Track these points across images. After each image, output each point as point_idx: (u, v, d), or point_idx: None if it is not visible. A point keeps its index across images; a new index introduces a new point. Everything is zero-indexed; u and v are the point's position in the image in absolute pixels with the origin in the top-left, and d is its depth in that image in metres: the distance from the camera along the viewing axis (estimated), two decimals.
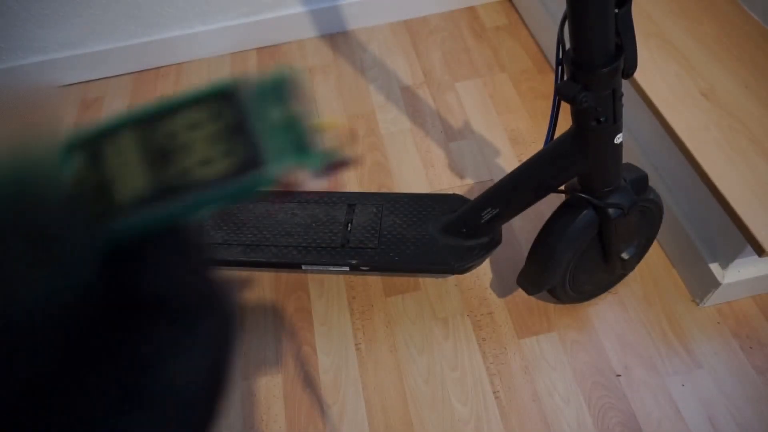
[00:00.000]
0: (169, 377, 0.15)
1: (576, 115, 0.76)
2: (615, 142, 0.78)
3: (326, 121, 0.17)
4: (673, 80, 1.05)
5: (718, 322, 1.08)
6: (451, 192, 1.27)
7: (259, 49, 1.71)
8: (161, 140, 0.15)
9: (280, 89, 0.15)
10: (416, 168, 1.37)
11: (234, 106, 0.15)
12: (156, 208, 0.14)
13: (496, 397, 1.02)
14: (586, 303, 1.12)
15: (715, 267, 1.04)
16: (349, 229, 1.07)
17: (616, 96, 0.72)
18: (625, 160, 0.85)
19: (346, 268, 1.03)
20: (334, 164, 0.17)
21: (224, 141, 0.15)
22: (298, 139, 0.15)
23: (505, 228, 1.21)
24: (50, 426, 0.13)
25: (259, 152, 0.15)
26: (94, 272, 0.14)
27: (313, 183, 0.17)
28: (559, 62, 0.74)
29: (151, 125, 0.15)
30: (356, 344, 1.11)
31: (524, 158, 0.91)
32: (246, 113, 0.15)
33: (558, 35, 0.72)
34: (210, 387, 0.16)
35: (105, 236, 0.14)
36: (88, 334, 0.14)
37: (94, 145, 0.15)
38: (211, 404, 0.16)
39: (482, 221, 0.97)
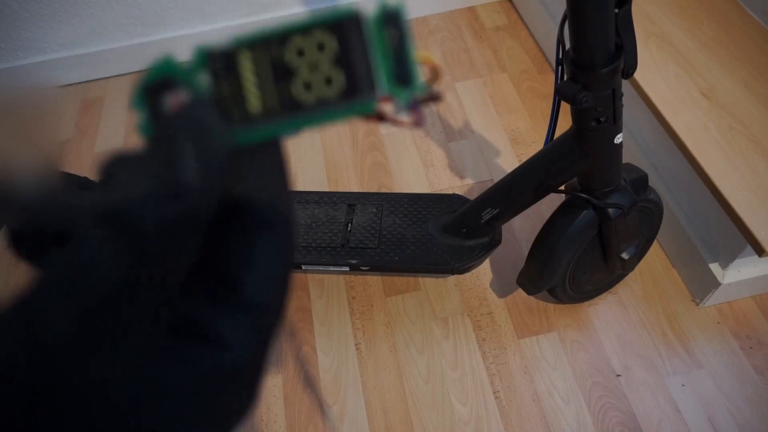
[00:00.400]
0: (253, 285, 0.17)
1: (576, 115, 0.76)
2: (615, 142, 0.78)
3: (420, 54, 0.18)
4: (672, 80, 1.05)
5: (718, 322, 1.08)
6: (451, 192, 1.27)
7: None
8: (290, 56, 0.16)
9: (395, 17, 0.17)
10: (416, 168, 1.37)
11: (355, 31, 0.16)
12: (280, 119, 0.16)
13: (496, 397, 1.02)
14: (586, 303, 1.12)
15: (715, 267, 1.04)
16: (349, 229, 1.07)
17: (616, 96, 0.72)
18: (625, 160, 0.85)
19: (346, 268, 1.03)
20: (426, 98, 0.18)
21: (343, 63, 0.16)
22: (406, 69, 0.17)
23: (505, 228, 1.21)
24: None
25: (371, 76, 0.16)
26: (223, 171, 0.16)
27: (402, 116, 0.18)
28: (559, 62, 0.74)
29: (282, 42, 0.17)
30: (356, 344, 1.11)
31: (524, 158, 0.92)
32: (365, 38, 0.16)
33: (558, 35, 0.72)
34: (280, 298, 0.18)
35: (235, 140, 0.16)
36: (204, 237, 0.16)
37: (229, 56, 0.17)
38: (280, 313, 0.18)
39: (482, 221, 0.97)
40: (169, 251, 0.15)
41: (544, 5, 1.55)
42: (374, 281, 1.19)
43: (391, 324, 1.13)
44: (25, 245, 0.16)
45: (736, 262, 1.00)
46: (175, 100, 0.16)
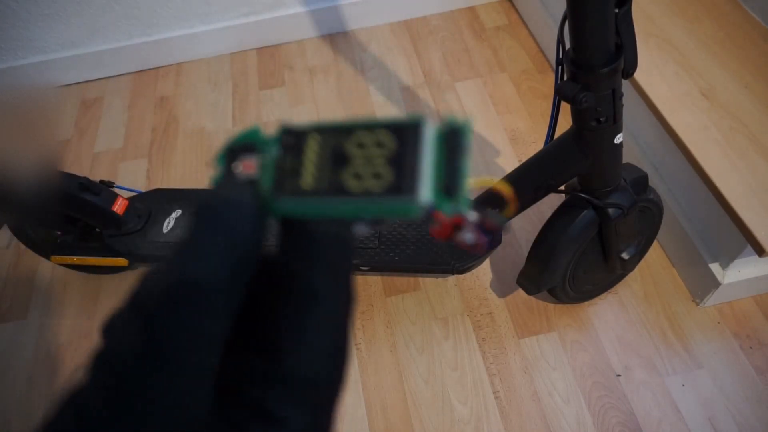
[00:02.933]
0: (302, 359, 0.17)
1: (576, 115, 0.76)
2: (615, 142, 0.78)
3: (496, 183, 0.18)
4: (672, 80, 1.04)
5: (719, 322, 1.08)
6: None
7: (259, 49, 1.71)
8: (351, 147, 0.18)
9: (458, 134, 0.18)
10: None
11: (414, 137, 0.17)
12: (325, 200, 0.18)
13: (496, 397, 1.02)
14: (586, 303, 1.12)
15: (715, 267, 1.04)
16: None
17: (616, 96, 0.72)
18: (625, 160, 0.85)
19: None
20: (488, 224, 0.19)
21: (395, 163, 0.18)
22: (455, 182, 0.17)
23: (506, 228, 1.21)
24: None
25: (416, 181, 0.17)
26: (263, 232, 0.17)
27: (467, 237, 0.19)
28: (559, 62, 0.73)
29: (348, 133, 0.18)
30: (356, 344, 1.11)
31: (524, 158, 0.91)
32: (421, 145, 0.17)
33: (558, 35, 0.72)
34: (333, 371, 0.19)
35: (283, 208, 0.18)
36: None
37: (301, 135, 0.19)
38: (336, 386, 0.19)
39: None
40: (173, 321, 0.15)
41: (544, 5, 1.55)
42: (374, 281, 1.19)
43: (391, 324, 1.12)
44: None
45: (737, 262, 1.00)
46: (246, 163, 0.18)
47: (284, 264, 0.18)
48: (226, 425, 0.17)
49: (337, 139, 0.18)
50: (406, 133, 0.18)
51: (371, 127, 0.18)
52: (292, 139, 0.19)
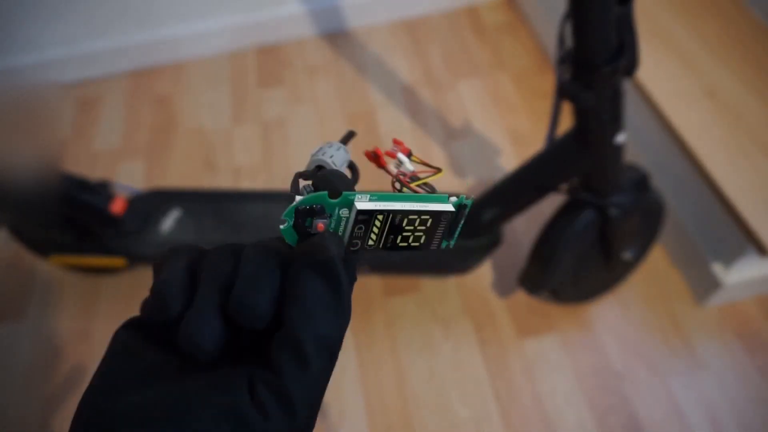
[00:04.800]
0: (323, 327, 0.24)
1: (577, 114, 0.76)
2: (617, 141, 0.77)
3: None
4: (675, 79, 1.04)
5: (721, 323, 1.07)
6: (451, 192, 1.26)
7: (259, 49, 1.71)
8: (404, 223, 0.27)
9: (463, 208, 0.29)
10: None
11: (445, 219, 0.28)
12: (380, 251, 0.28)
13: (497, 398, 1.02)
14: (587, 303, 1.11)
15: (717, 267, 1.03)
16: None
17: (617, 95, 0.71)
18: (626, 159, 0.84)
19: None
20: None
21: (429, 232, 0.28)
22: (453, 232, 0.29)
23: (506, 228, 1.20)
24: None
25: (438, 242, 0.29)
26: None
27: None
28: (560, 61, 0.73)
29: (404, 215, 0.27)
30: (356, 344, 1.10)
31: (525, 158, 0.91)
32: (446, 223, 0.28)
33: (559, 33, 0.71)
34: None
35: (354, 255, 0.28)
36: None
37: (369, 214, 0.27)
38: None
39: (483, 221, 0.96)
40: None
41: (545, 4, 1.54)
42: (374, 281, 1.18)
43: (391, 324, 1.12)
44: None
45: (739, 262, 0.99)
46: (320, 225, 0.26)
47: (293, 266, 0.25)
48: (240, 371, 0.23)
49: (396, 218, 0.27)
50: (440, 217, 0.28)
51: (419, 213, 0.27)
52: (365, 216, 0.26)
